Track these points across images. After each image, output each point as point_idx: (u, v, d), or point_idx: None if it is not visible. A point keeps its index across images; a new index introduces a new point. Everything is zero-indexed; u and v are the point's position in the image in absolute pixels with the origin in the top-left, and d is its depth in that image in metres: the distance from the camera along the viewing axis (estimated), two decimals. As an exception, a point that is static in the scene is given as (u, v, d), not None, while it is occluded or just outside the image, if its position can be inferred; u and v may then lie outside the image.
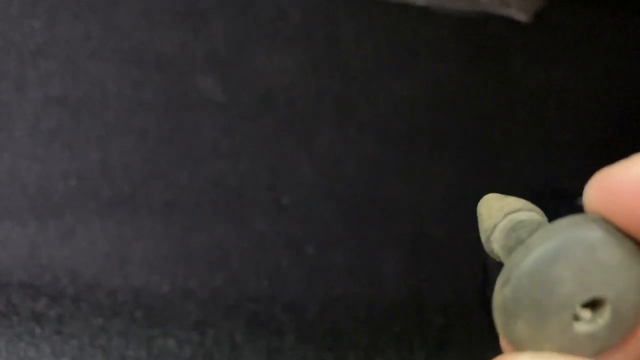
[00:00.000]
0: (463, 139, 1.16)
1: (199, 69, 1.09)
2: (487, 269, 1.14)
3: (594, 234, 0.24)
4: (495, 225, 0.30)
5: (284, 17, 1.10)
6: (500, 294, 0.27)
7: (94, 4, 1.05)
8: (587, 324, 0.27)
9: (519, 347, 0.28)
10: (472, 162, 1.16)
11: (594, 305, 0.28)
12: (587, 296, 0.27)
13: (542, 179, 1.17)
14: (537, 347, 0.28)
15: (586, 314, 0.27)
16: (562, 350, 0.27)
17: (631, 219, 0.26)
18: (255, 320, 1.08)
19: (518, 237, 0.30)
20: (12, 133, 1.05)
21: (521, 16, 1.15)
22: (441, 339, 1.08)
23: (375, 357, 1.05)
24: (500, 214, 0.31)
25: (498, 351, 0.31)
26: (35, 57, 1.05)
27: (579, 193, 0.29)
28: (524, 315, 0.27)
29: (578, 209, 0.29)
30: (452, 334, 1.09)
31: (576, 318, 0.27)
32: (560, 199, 1.11)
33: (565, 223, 0.28)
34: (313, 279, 1.11)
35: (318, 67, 1.12)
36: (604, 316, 0.27)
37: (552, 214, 0.32)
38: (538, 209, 0.32)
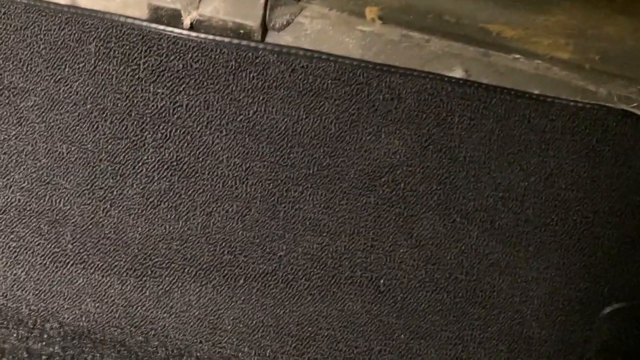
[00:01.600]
0: (573, 239, 0.98)
1: (308, 144, 0.95)
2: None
3: None
4: None
5: (396, 99, 0.95)
6: None
7: (216, 77, 0.95)
8: None
9: None
10: (581, 265, 0.97)
11: None
12: None
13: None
14: None
15: None
16: None
17: None
18: None
19: None
20: (123, 192, 0.95)
21: (648, 114, 0.96)
22: None
23: None
24: None
25: None
26: (154, 121, 0.95)
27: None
28: None
29: None
30: None
31: None
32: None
33: None
34: None
35: (426, 151, 0.96)
36: None
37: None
38: None
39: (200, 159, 0.97)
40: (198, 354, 0.97)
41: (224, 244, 0.98)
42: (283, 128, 0.97)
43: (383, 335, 0.98)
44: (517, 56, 1.00)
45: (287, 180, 0.98)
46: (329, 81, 0.95)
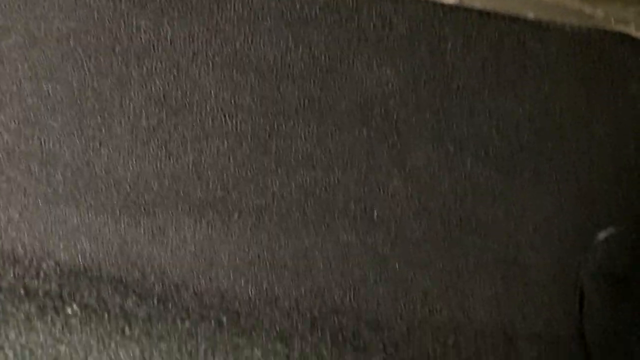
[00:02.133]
0: (568, 165, 0.93)
1: (298, 76, 0.89)
2: (583, 298, 0.91)
3: None
4: None
5: (387, 27, 0.89)
6: None
7: (200, 8, 0.88)
8: None
9: None
10: (576, 190, 0.93)
11: None
12: None
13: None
14: None
15: None
16: None
17: None
18: (340, 335, 0.97)
19: None
20: (112, 129, 0.91)
21: (646, 36, 0.89)
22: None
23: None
24: None
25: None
26: (139, 57, 0.89)
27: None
28: None
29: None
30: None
31: None
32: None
33: None
34: (399, 298, 0.92)
35: (419, 80, 0.90)
36: None
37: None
38: None
39: (188, 94, 0.92)
40: (195, 288, 0.94)
41: (216, 180, 0.94)
42: (272, 60, 0.91)
43: (378, 266, 0.95)
44: (511, -21, 0.93)
45: (278, 114, 0.93)
46: (318, 9, 0.89)
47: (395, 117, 0.95)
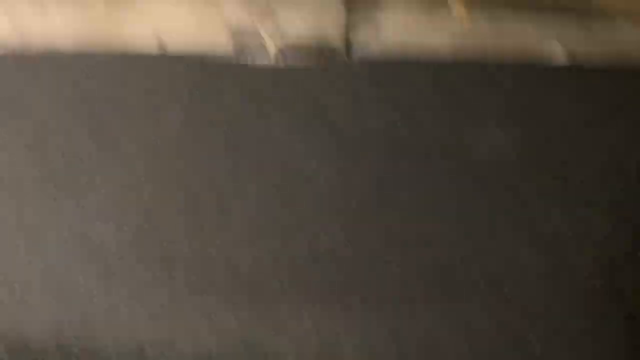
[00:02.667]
0: None
1: (406, 150, 0.85)
2: None
3: None
4: None
5: (495, 91, 0.83)
6: None
7: (303, 98, 0.87)
8: None
9: None
10: None
11: None
12: None
13: None
14: None
15: None
16: None
17: None
18: None
19: None
20: (230, 223, 0.91)
21: None
22: None
23: None
24: None
25: None
26: (251, 153, 0.89)
27: None
28: None
29: None
30: None
31: None
32: None
33: None
34: None
35: (536, 142, 0.83)
36: None
37: None
38: None
39: (302, 184, 0.90)
40: None
41: (334, 266, 0.90)
42: (380, 139, 0.88)
43: (514, 348, 0.85)
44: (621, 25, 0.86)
45: (390, 192, 0.89)
46: (423, 87, 0.86)
47: (514, 182, 0.88)
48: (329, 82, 0.83)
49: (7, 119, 0.91)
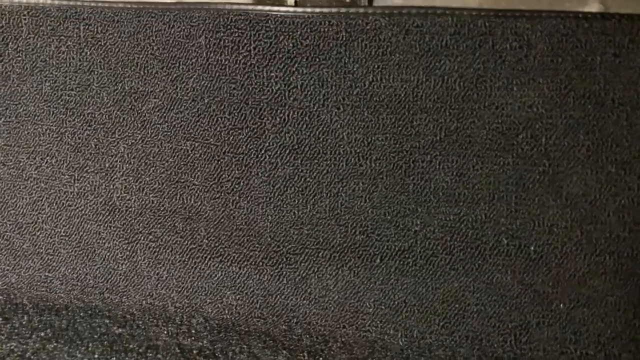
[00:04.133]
0: None
1: (432, 108, 0.81)
2: None
3: None
4: None
5: (525, 45, 0.78)
6: None
7: (327, 50, 0.83)
8: None
9: None
10: None
11: None
12: None
13: None
14: None
15: None
16: None
17: None
18: None
19: None
20: (250, 181, 0.87)
21: None
22: None
23: None
24: None
25: None
26: (272, 107, 0.86)
27: None
28: None
29: None
30: None
31: None
32: None
33: None
34: (568, 342, 0.78)
35: (567, 99, 0.78)
36: None
37: None
38: None
39: (321, 139, 0.86)
40: (343, 339, 0.87)
41: (354, 224, 0.86)
42: (403, 95, 0.83)
43: (540, 307, 0.82)
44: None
45: (414, 151, 0.84)
46: (448, 37, 0.80)
47: (544, 141, 0.83)
48: (350, 32, 0.78)
49: (27, 75, 0.88)
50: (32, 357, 0.82)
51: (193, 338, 0.86)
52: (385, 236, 0.84)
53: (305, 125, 0.85)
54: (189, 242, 0.89)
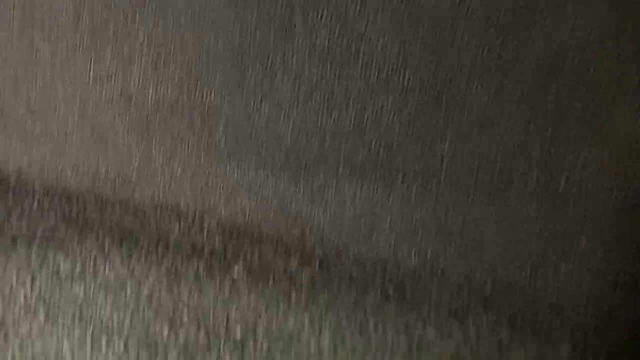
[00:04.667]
0: None
1: (476, 25, 0.74)
2: None
3: None
4: None
5: None
6: None
7: None
8: None
9: None
10: None
11: None
12: None
13: None
14: None
15: None
16: None
17: None
18: (518, 318, 0.83)
19: None
20: (273, 83, 0.82)
21: None
22: None
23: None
24: None
25: None
26: (304, 6, 0.78)
27: None
28: None
29: None
30: None
31: None
32: None
33: None
34: (587, 280, 0.80)
35: (625, 24, 0.71)
36: None
37: None
38: None
39: (353, 46, 0.80)
40: (355, 254, 0.84)
41: (380, 140, 0.81)
42: (447, 8, 0.75)
43: (561, 242, 0.78)
44: None
45: (452, 69, 0.78)
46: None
47: (592, 71, 0.76)
48: None
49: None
50: (41, 240, 0.80)
51: (205, 237, 0.83)
52: (410, 156, 0.80)
53: (338, 30, 0.78)
54: (206, 141, 0.85)
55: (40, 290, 0.74)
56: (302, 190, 0.84)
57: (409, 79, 0.77)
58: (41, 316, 0.71)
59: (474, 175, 0.79)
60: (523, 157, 0.77)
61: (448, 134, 0.78)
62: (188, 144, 0.86)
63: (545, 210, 0.78)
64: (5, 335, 0.67)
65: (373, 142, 0.80)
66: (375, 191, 0.82)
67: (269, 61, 0.80)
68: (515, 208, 0.79)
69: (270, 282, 0.79)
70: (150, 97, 0.85)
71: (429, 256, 0.82)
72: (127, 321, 0.71)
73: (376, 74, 0.78)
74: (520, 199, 0.79)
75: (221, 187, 0.86)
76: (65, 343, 0.68)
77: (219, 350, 0.68)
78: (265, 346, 0.70)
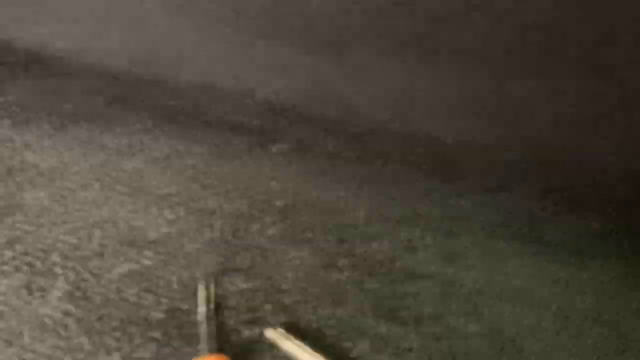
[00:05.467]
0: None
1: None
2: None
3: None
4: None
5: None
6: None
7: None
8: None
9: None
10: None
11: None
12: None
13: None
14: None
15: None
16: None
17: None
18: (556, 192, 0.84)
19: None
20: None
21: None
22: None
23: None
24: None
25: None
26: None
27: None
28: None
29: None
30: None
31: None
32: None
33: None
34: (621, 155, 0.86)
35: None
36: None
37: None
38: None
39: None
40: (393, 131, 0.85)
41: (423, 13, 0.81)
42: None
43: (600, 116, 0.79)
44: None
45: None
46: None
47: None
48: None
49: None
50: (87, 120, 0.81)
51: (243, 117, 0.84)
52: (454, 31, 0.79)
53: None
54: (240, 21, 0.84)
55: (91, 165, 0.75)
56: (339, 69, 0.83)
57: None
58: (96, 186, 0.72)
59: (514, 50, 0.78)
60: (563, 33, 0.76)
61: (484, 8, 0.77)
62: (223, 23, 0.85)
63: (585, 85, 0.78)
64: (66, 204, 0.69)
65: (416, 16, 0.79)
66: (409, 67, 0.81)
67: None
68: (555, 83, 0.79)
69: (309, 158, 0.80)
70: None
71: (466, 134, 0.83)
72: (174, 192, 0.72)
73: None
74: (559, 75, 0.78)
75: (250, 66, 0.86)
76: (120, 210, 0.69)
77: (262, 218, 0.70)
78: (305, 216, 0.71)
